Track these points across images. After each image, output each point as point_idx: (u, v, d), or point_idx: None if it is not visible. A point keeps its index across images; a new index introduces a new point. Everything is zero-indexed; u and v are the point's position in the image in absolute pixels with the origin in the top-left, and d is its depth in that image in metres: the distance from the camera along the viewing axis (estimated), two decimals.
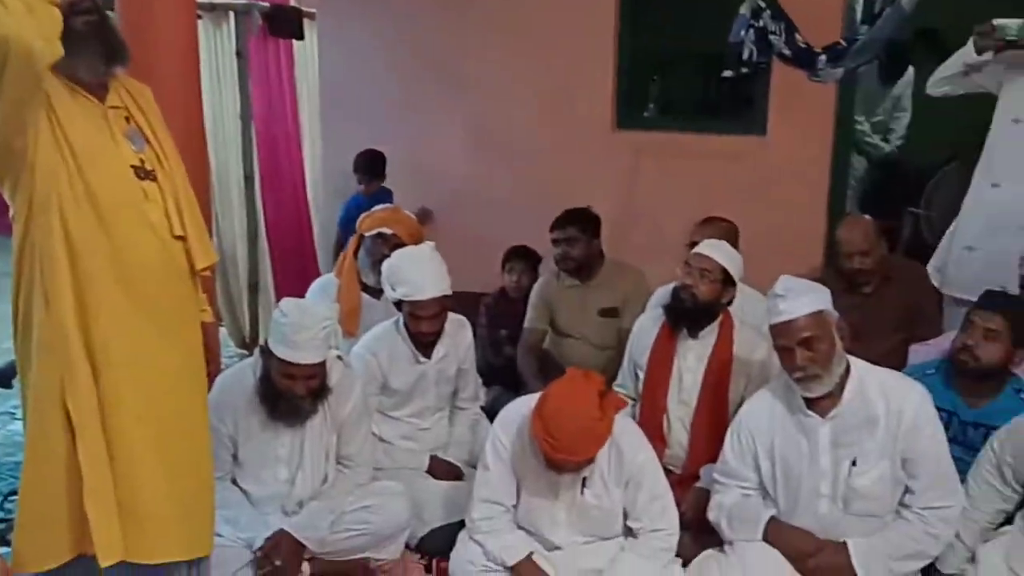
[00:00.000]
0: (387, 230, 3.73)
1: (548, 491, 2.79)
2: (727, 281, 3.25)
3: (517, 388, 4.04)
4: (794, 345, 2.59)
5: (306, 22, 5.61)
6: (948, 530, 2.65)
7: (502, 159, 5.13)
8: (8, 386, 3.86)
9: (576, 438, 2.57)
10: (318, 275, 5.20)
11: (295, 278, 5.43)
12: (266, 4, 5.46)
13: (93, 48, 2.18)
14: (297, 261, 5.67)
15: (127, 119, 2.30)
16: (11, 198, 2.22)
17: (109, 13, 2.39)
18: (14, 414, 4.57)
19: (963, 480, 2.75)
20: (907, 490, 2.66)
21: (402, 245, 3.60)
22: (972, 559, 2.67)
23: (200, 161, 3.50)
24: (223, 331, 5.34)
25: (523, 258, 4.41)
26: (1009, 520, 2.71)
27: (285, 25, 5.55)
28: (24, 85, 2.05)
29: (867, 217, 3.80)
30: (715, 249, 3.29)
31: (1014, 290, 3.26)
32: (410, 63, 5.24)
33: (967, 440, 2.94)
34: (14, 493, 3.14)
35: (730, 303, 3.29)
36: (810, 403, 2.67)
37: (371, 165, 5.20)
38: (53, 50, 2.05)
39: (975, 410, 2.95)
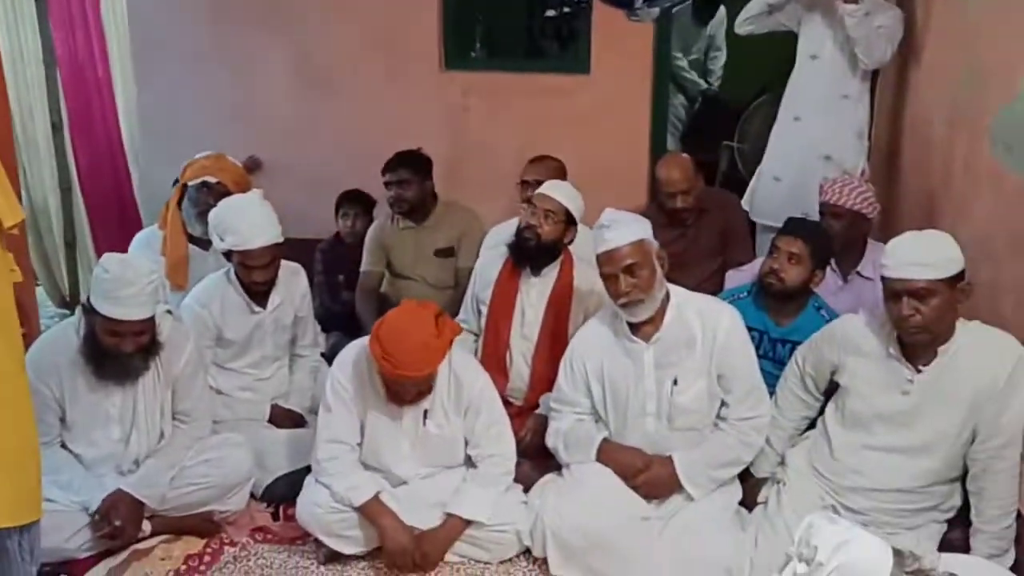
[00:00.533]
0: (211, 179, 3.62)
1: (391, 425, 2.86)
2: (569, 221, 3.36)
3: (357, 332, 4.05)
4: (618, 271, 2.74)
5: None
6: (759, 437, 2.89)
7: (329, 101, 5.01)
8: None
9: (414, 353, 2.64)
10: (140, 227, 5.01)
11: (115, 231, 5.17)
12: None
13: None
14: (116, 213, 5.39)
15: None
16: None
17: None
18: None
19: (773, 393, 2.99)
20: (722, 404, 2.88)
21: (228, 194, 3.51)
22: (782, 462, 2.92)
23: (1, 109, 3.27)
24: (40, 291, 5.05)
25: (357, 202, 4.39)
26: (812, 426, 2.97)
27: None
28: None
29: (684, 155, 3.97)
30: (559, 190, 3.38)
31: (816, 217, 3.52)
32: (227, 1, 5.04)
33: (776, 355, 3.19)
34: None
35: (571, 242, 3.41)
36: (634, 329, 2.84)
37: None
38: None
39: (782, 328, 3.20)
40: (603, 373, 2.90)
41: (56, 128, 5.11)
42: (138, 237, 3.75)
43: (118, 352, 2.76)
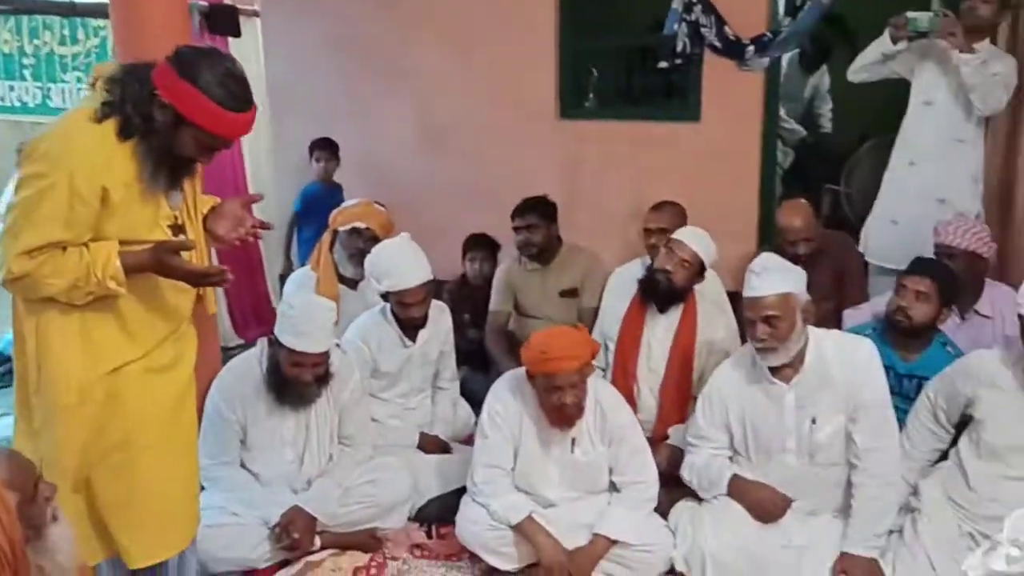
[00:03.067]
0: (361, 224, 3.92)
1: (542, 452, 3.08)
2: (701, 270, 3.56)
3: (485, 368, 4.31)
4: (757, 319, 2.88)
5: (242, 19, 5.69)
6: (894, 472, 2.95)
7: (451, 151, 5.35)
8: None
9: (565, 345, 2.92)
10: (260, 262, 5.35)
11: (237, 268, 5.50)
12: (205, 3, 5.53)
13: None
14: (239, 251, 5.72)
15: None
16: None
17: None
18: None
19: (902, 427, 3.11)
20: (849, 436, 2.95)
21: (376, 238, 3.81)
22: (915, 492, 3.02)
23: None
24: None
25: (483, 246, 4.65)
26: (944, 457, 3.08)
27: (223, 22, 5.63)
28: None
29: (803, 201, 4.11)
30: (697, 241, 3.57)
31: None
32: (355, 59, 5.42)
33: (902, 391, 3.30)
34: None
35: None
36: (774, 371, 2.96)
37: (329, 144, 5.30)
38: None
39: (908, 363, 3.31)
40: (744, 414, 3.03)
41: None
42: (293, 277, 4.07)
43: (298, 381, 3.04)
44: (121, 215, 2.19)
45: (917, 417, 3.12)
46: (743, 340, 3.48)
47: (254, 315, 5.49)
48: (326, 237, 4.01)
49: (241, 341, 5.17)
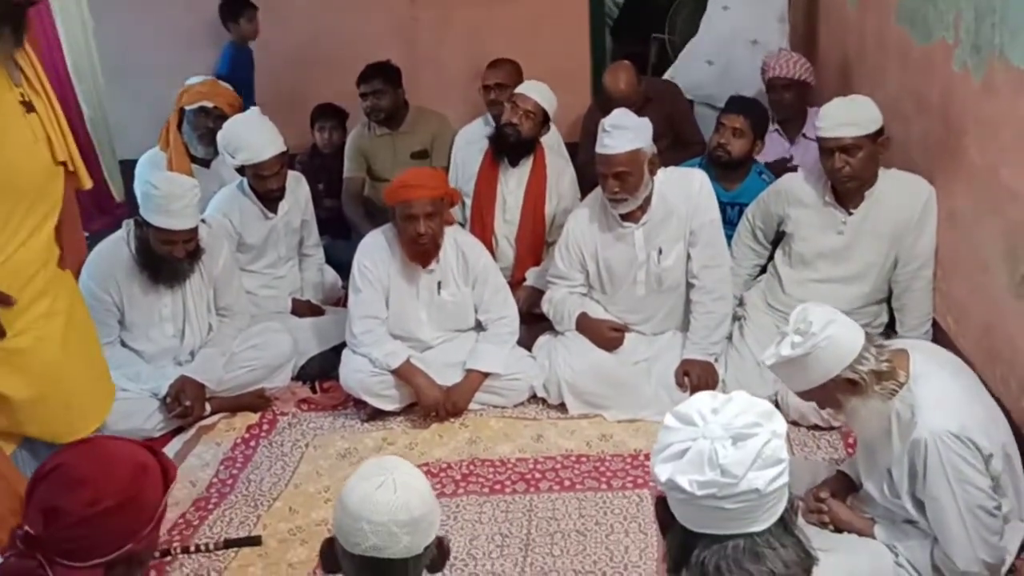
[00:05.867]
0: (208, 103, 3.91)
1: (412, 297, 3.34)
2: (545, 119, 3.78)
3: (346, 235, 4.47)
4: (609, 174, 3.14)
5: None
6: (727, 287, 3.34)
7: (290, 21, 5.28)
8: None
9: (420, 176, 3.25)
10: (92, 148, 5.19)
11: None
12: None
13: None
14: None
15: None
16: None
17: None
18: None
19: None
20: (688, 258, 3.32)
21: (224, 116, 3.82)
22: (740, 303, 3.47)
23: None
24: None
25: (331, 115, 4.73)
26: (763, 271, 3.54)
27: None
28: None
29: (626, 63, 4.28)
30: (537, 92, 3.77)
31: (750, 94, 4.02)
32: None
33: (727, 218, 3.68)
34: None
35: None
36: (623, 215, 3.25)
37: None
38: None
39: (730, 192, 3.71)
40: (597, 254, 3.34)
41: None
42: (144, 158, 4.03)
43: (171, 258, 3.14)
44: None
45: (739, 238, 3.54)
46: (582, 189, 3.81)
47: (95, 206, 5.38)
48: (173, 116, 3.98)
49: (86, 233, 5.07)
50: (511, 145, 3.77)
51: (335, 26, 5.23)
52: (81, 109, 5.57)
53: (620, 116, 3.18)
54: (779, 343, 2.15)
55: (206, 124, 3.88)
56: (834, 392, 2.14)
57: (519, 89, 3.82)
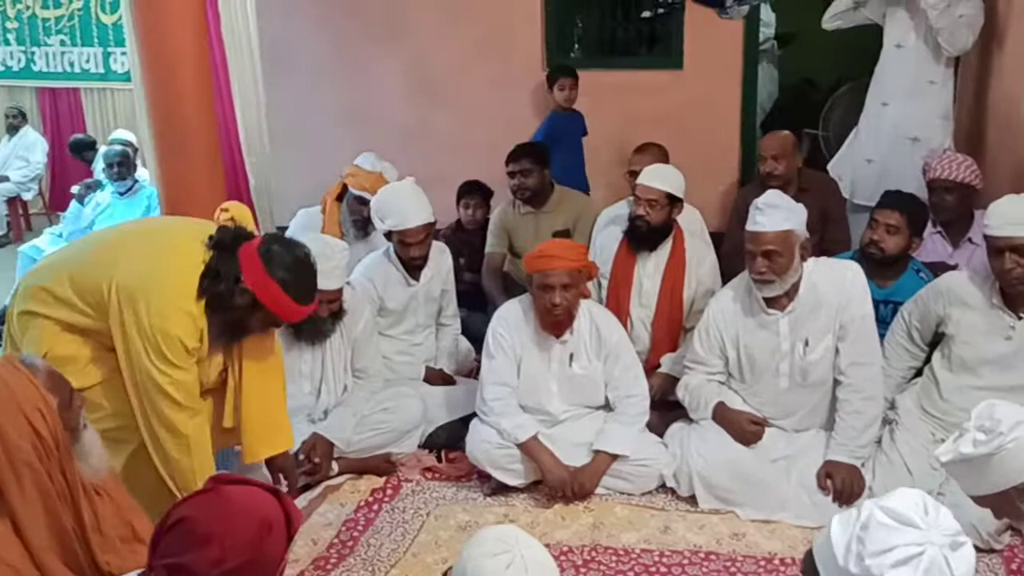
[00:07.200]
0: (368, 196, 4.03)
1: (543, 367, 3.31)
2: (672, 201, 3.74)
3: (482, 308, 4.50)
4: (758, 253, 3.05)
5: None
6: (877, 387, 3.16)
7: (443, 103, 5.49)
8: None
9: (559, 248, 3.26)
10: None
11: None
12: None
13: None
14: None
15: None
16: None
17: None
18: None
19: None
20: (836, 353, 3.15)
21: None
22: (892, 406, 3.26)
23: None
24: None
25: (476, 192, 4.81)
26: (919, 375, 3.32)
27: None
28: None
29: (786, 132, 4.26)
30: (656, 178, 3.71)
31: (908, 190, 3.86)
32: (347, 15, 5.53)
33: (880, 316, 3.49)
34: None
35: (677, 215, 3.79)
36: (769, 301, 3.14)
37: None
38: None
39: (884, 290, 3.52)
40: (739, 340, 3.22)
41: None
42: (300, 215, 4.21)
43: (315, 317, 3.20)
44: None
45: (894, 337, 3.35)
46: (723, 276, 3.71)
47: None
48: (336, 187, 4.17)
49: None
50: (644, 235, 3.73)
51: (488, 108, 5.39)
52: (248, 179, 5.97)
53: (774, 196, 3.11)
54: (958, 438, 1.98)
55: (362, 213, 4.05)
56: (1016, 501, 1.95)
57: (640, 180, 3.75)
